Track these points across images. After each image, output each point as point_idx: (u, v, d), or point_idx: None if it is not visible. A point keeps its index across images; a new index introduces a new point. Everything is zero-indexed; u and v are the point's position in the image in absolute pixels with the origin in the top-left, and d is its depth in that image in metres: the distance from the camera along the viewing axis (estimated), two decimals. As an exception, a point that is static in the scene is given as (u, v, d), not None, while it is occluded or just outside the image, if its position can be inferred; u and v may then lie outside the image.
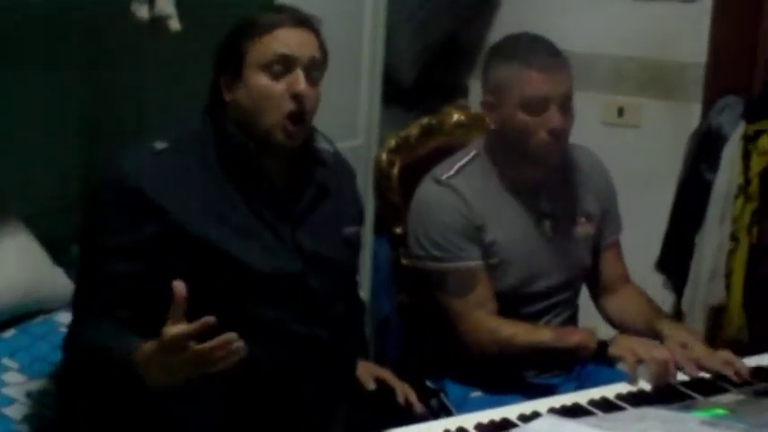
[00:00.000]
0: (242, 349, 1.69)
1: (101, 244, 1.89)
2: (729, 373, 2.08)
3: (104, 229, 1.89)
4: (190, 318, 1.71)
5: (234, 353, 1.68)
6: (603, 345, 2.16)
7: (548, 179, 2.36)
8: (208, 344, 1.67)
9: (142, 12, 2.20)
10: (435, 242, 2.30)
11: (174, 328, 1.68)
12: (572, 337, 2.23)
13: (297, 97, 1.92)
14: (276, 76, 1.92)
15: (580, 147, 2.47)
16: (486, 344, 2.28)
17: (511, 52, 2.28)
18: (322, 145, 2.08)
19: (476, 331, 2.29)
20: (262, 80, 1.92)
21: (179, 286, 1.70)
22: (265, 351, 1.91)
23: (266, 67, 1.92)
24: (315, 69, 1.96)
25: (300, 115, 1.94)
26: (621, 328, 2.43)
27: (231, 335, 1.68)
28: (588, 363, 2.28)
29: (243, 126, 1.95)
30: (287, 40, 1.93)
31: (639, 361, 2.05)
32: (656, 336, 2.24)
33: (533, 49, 2.27)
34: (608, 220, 2.47)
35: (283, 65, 1.92)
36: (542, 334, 2.27)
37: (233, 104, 1.96)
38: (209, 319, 1.67)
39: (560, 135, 2.25)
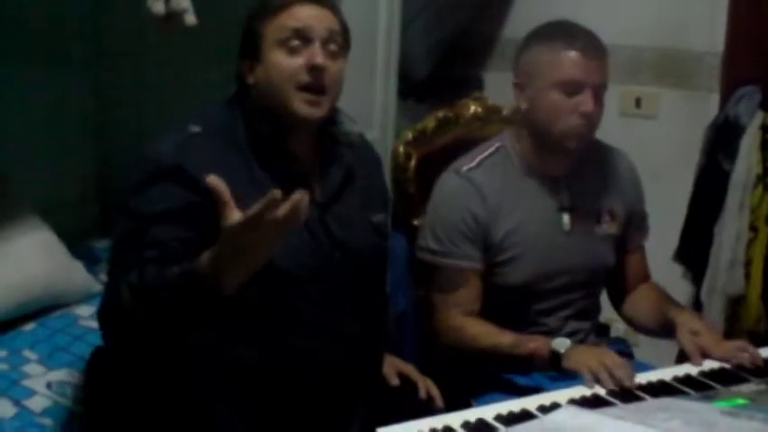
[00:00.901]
0: (306, 200, 1.64)
1: (143, 212, 1.86)
2: (743, 359, 2.08)
3: (145, 200, 1.86)
4: (216, 303, 1.71)
5: (295, 215, 1.63)
6: (557, 356, 2.13)
7: (571, 171, 2.35)
8: (281, 209, 1.62)
9: (158, 6, 2.20)
10: (437, 236, 2.31)
11: (234, 213, 1.65)
12: (528, 345, 2.21)
13: (315, 69, 1.91)
14: (293, 51, 1.92)
15: (615, 149, 2.48)
16: (450, 343, 2.30)
17: (554, 34, 2.28)
18: (348, 127, 2.07)
19: (444, 329, 2.31)
20: (279, 56, 1.92)
21: (213, 180, 1.67)
22: (292, 339, 1.91)
23: (283, 43, 1.92)
24: (333, 42, 1.95)
25: (320, 87, 1.92)
26: (638, 326, 2.45)
27: (299, 195, 1.63)
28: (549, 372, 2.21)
29: (266, 105, 1.95)
30: (302, 15, 1.92)
31: (592, 371, 2.01)
32: (669, 325, 2.24)
33: (577, 33, 2.27)
34: (635, 223, 2.46)
35: (300, 39, 1.92)
36: (502, 338, 2.25)
37: (255, 87, 1.96)
38: (274, 193, 1.62)
39: (590, 121, 2.25)
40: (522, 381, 2.26)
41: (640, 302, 2.45)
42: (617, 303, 2.52)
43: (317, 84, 1.92)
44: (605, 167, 2.43)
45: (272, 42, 1.92)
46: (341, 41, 1.97)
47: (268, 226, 1.64)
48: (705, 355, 2.11)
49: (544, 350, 2.16)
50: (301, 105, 1.93)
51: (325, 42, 1.93)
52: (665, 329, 2.29)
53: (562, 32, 2.28)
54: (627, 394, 1.93)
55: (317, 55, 1.91)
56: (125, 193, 1.92)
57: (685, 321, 2.22)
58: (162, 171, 1.86)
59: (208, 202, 1.80)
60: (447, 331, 2.31)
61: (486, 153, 2.36)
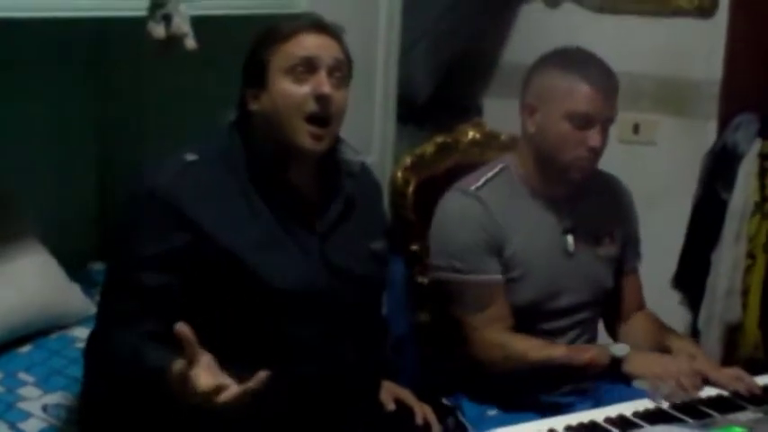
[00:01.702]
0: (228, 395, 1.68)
1: (132, 254, 1.88)
2: (739, 387, 2.08)
3: (136, 240, 1.88)
4: (215, 332, 1.76)
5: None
6: (617, 362, 2.15)
7: (573, 194, 2.36)
8: (237, 395, 1.67)
9: (158, 31, 2.21)
10: (455, 254, 2.30)
11: (202, 377, 1.66)
12: (584, 354, 2.23)
13: (321, 99, 1.90)
14: (300, 80, 1.91)
15: (609, 174, 2.49)
16: (497, 359, 2.28)
17: (568, 62, 2.28)
18: (350, 156, 2.07)
19: (489, 347, 2.28)
20: (285, 84, 1.91)
21: (182, 328, 1.67)
22: (291, 367, 1.91)
23: (289, 72, 1.91)
24: (338, 71, 1.94)
25: (325, 118, 1.92)
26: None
27: (263, 376, 1.68)
28: (603, 381, 2.26)
29: (269, 134, 1.94)
30: (308, 44, 1.92)
31: (658, 377, 2.04)
32: (667, 351, 2.24)
33: (592, 65, 2.28)
34: (630, 246, 2.48)
35: (306, 68, 1.91)
36: (555, 350, 2.27)
37: (258, 114, 1.95)
38: (262, 375, 1.68)
39: (596, 155, 2.27)
40: (552, 399, 2.30)
41: (637, 330, 2.45)
42: (612, 329, 2.51)
43: (323, 113, 1.91)
44: (603, 191, 2.45)
45: (279, 70, 1.92)
46: (345, 71, 1.97)
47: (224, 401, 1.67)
48: (708, 381, 2.11)
49: (602, 357, 2.17)
50: (306, 138, 1.92)
51: (331, 71, 1.93)
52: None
53: (579, 62, 2.29)
54: (624, 422, 1.93)
55: (324, 84, 1.91)
56: (121, 227, 1.95)
57: (682, 348, 2.23)
58: (153, 208, 1.87)
59: (195, 241, 1.84)
60: (491, 349, 2.28)
61: (491, 174, 2.37)
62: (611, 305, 2.49)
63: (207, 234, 1.86)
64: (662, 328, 2.41)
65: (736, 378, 2.11)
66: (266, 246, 1.90)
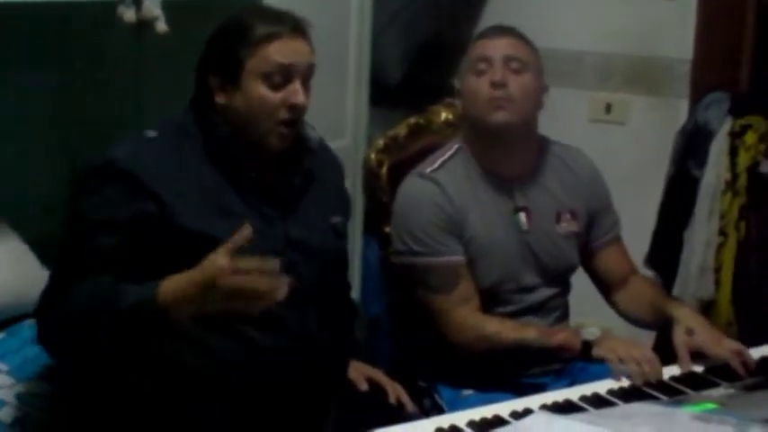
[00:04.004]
0: (282, 292, 1.72)
1: (90, 218, 1.90)
2: (736, 363, 2.09)
3: (94, 206, 1.90)
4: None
5: (273, 293, 1.71)
6: (588, 345, 2.17)
7: (525, 172, 2.37)
8: (254, 279, 1.70)
9: (129, 15, 2.20)
10: (417, 237, 2.31)
11: (224, 259, 1.70)
12: (556, 337, 2.24)
13: (294, 108, 1.95)
14: (275, 87, 1.94)
15: (569, 146, 2.48)
16: (470, 341, 2.28)
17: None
18: (308, 132, 2.09)
19: (460, 328, 2.29)
20: (261, 89, 1.94)
21: (246, 229, 1.73)
22: (256, 342, 1.93)
23: (266, 77, 1.94)
24: (310, 76, 1.99)
25: (296, 122, 1.98)
26: (634, 320, 2.45)
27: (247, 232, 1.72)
28: (575, 361, 2.28)
29: (236, 128, 1.97)
30: (286, 51, 1.94)
31: (622, 360, 2.06)
32: (667, 320, 2.24)
33: (489, 27, 2.39)
34: (600, 219, 2.47)
35: (283, 75, 1.94)
36: (527, 332, 2.27)
37: (227, 108, 1.97)
38: (247, 228, 1.71)
39: (504, 88, 2.27)
40: (528, 380, 2.31)
41: (636, 297, 2.44)
42: (608, 298, 2.50)
43: (294, 119, 1.97)
44: (562, 167, 2.44)
45: (254, 73, 1.94)
46: (312, 73, 2.00)
47: (238, 284, 1.70)
48: (699, 355, 2.13)
49: (574, 340, 2.19)
50: (274, 139, 1.97)
51: (304, 79, 1.97)
52: (662, 324, 2.29)
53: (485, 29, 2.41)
54: (598, 400, 1.94)
55: (299, 94, 1.95)
56: (79, 194, 1.95)
57: (683, 318, 2.22)
58: (111, 176, 1.90)
59: (155, 210, 1.86)
60: (466, 332, 2.28)
61: (447, 156, 2.38)
62: (600, 278, 2.49)
63: (165, 206, 1.89)
64: (662, 295, 2.43)
65: (736, 352, 2.12)
66: (226, 218, 1.92)
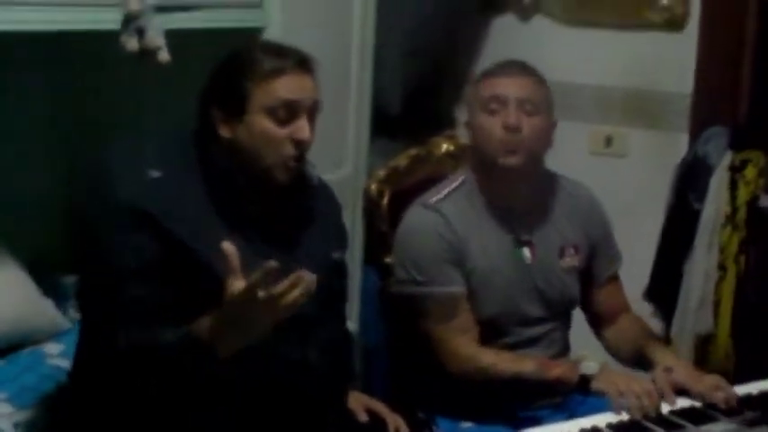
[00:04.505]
0: (312, 284, 1.73)
1: (115, 267, 1.88)
2: (718, 399, 2.09)
3: (121, 252, 1.88)
4: None
5: (304, 291, 1.72)
6: (586, 379, 2.16)
7: (529, 206, 2.38)
8: (279, 286, 1.71)
9: (132, 44, 2.20)
10: (419, 266, 2.31)
11: (238, 282, 1.72)
12: (554, 370, 2.23)
13: (300, 143, 1.95)
14: (281, 122, 1.94)
15: (571, 179, 2.49)
16: (467, 371, 2.28)
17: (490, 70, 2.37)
18: (309, 169, 2.09)
19: (457, 359, 2.29)
20: (266, 124, 1.93)
21: (228, 246, 1.74)
22: (258, 374, 1.92)
23: (271, 112, 1.93)
24: (316, 112, 1.99)
25: (301, 156, 1.98)
26: (617, 356, 2.44)
27: (299, 273, 1.72)
28: (574, 394, 2.27)
29: (241, 162, 1.96)
30: (293, 87, 1.94)
31: (621, 394, 2.06)
32: (647, 362, 2.25)
33: (501, 64, 2.36)
34: (602, 253, 2.47)
35: (288, 111, 1.94)
36: (524, 364, 2.27)
37: (232, 142, 1.96)
38: (271, 264, 1.70)
39: (518, 133, 2.26)
40: (526, 413, 2.29)
41: (621, 335, 2.45)
42: (597, 332, 2.51)
43: (300, 155, 1.97)
44: (566, 201, 2.45)
45: (260, 108, 1.93)
46: (319, 107, 2.00)
47: (266, 301, 1.71)
48: (680, 392, 2.12)
49: (572, 373, 2.18)
50: (281, 173, 1.96)
51: (310, 115, 1.97)
52: (643, 365, 2.30)
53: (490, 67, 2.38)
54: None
55: (305, 130, 1.95)
56: (95, 241, 1.94)
57: (662, 359, 2.24)
58: (133, 221, 1.87)
59: (174, 253, 1.86)
60: (461, 361, 2.28)
61: (452, 186, 2.38)
62: (593, 312, 2.49)
63: (180, 245, 1.88)
64: (646, 336, 2.42)
65: (715, 387, 2.12)
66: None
